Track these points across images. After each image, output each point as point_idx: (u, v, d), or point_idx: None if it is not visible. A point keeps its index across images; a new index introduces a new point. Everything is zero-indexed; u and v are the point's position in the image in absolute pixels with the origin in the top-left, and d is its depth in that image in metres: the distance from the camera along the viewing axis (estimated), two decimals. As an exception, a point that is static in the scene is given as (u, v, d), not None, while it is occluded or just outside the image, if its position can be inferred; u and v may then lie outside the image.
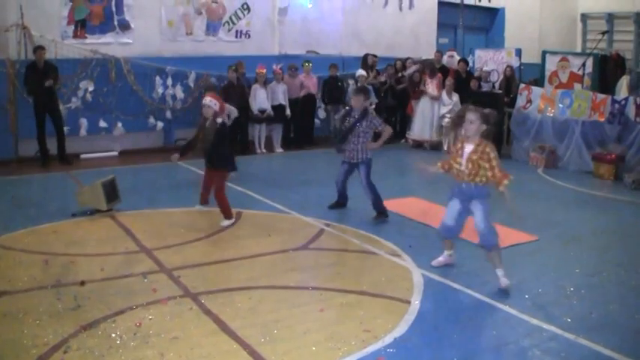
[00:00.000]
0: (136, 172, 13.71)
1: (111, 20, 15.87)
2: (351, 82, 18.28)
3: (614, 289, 7.61)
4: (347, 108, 11.13)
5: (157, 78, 16.19)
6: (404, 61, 19.48)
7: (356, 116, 10.35)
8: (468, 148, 7.45)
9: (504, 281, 7.42)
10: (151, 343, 5.82)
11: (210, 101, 9.88)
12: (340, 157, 10.76)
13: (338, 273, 7.94)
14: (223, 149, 10.03)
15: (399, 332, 6.25)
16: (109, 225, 9.77)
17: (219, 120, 9.92)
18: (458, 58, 19.52)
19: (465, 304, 7.11)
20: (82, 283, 7.25)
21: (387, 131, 10.50)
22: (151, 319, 6.35)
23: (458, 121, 7.59)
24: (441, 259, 8.23)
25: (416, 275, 7.84)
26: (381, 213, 10.42)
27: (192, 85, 16.61)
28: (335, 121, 11.78)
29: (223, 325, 6.24)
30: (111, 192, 10.34)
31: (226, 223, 9.85)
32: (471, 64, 20.04)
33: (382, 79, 18.68)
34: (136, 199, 11.13)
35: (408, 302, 6.96)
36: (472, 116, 7.36)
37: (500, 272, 7.49)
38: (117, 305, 6.65)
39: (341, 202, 11.02)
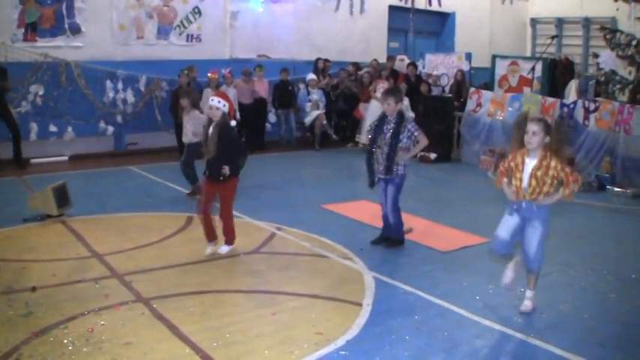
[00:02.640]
0: (87, 176, 13.59)
1: (62, 24, 15.72)
2: (302, 86, 18.39)
3: (564, 290, 7.76)
4: (380, 115, 9.28)
5: (108, 82, 16.10)
6: (359, 65, 19.62)
7: (392, 124, 8.96)
8: (531, 162, 6.72)
9: (527, 305, 7.00)
10: (103, 349, 5.81)
11: (218, 102, 8.42)
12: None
13: (290, 276, 7.98)
14: (232, 158, 8.54)
15: (351, 334, 6.30)
16: (60, 230, 9.71)
17: (232, 123, 8.61)
18: (408, 61, 19.70)
19: (417, 306, 7.16)
20: (34, 289, 7.21)
21: (423, 141, 9.11)
22: (103, 324, 6.34)
23: (518, 132, 6.83)
24: (509, 273, 7.20)
25: (367, 278, 7.91)
26: (398, 241, 9.28)
27: (143, 89, 16.55)
28: (367, 134, 10.03)
29: (176, 330, 6.25)
30: (62, 197, 10.29)
31: (226, 249, 8.81)
32: (421, 68, 20.22)
33: (334, 82, 18.77)
34: (87, 204, 11.06)
35: (360, 305, 7.02)
36: (534, 127, 6.61)
37: (529, 294, 7.06)
38: (69, 311, 6.62)
39: (395, 239, 9.35)
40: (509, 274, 7.16)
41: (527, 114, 6.93)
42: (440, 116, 16.68)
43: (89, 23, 15.99)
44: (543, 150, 6.67)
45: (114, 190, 12.46)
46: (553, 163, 6.62)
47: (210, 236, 8.79)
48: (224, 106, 8.42)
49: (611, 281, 8.09)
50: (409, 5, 21.48)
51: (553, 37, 20.26)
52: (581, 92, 17.59)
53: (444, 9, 22.58)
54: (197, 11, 17.76)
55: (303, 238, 9.51)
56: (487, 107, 16.19)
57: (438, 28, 24.83)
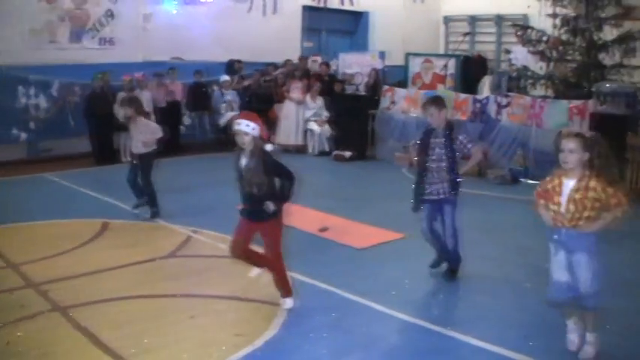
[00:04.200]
0: (0, 185, 13.39)
1: (-30, 28, 15.42)
2: (215, 87, 18.37)
3: (481, 282, 8.01)
4: (426, 129, 8.18)
5: (20, 87, 15.78)
6: (275, 65, 19.68)
7: (441, 137, 7.92)
8: (569, 184, 5.80)
9: (590, 351, 6.04)
10: (20, 360, 5.78)
11: (246, 125, 6.67)
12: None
13: (207, 279, 8.06)
14: (273, 190, 6.90)
15: (270, 334, 6.42)
16: (-28, 242, 9.54)
17: (268, 147, 6.90)
18: (321, 61, 19.84)
19: (334, 304, 7.30)
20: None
21: (477, 154, 8.16)
22: (19, 335, 6.32)
23: (556, 151, 5.84)
24: (571, 336, 6.26)
25: (286, 278, 7.99)
26: (454, 272, 8.27)
27: (56, 94, 16.30)
28: (410, 153, 8.60)
29: (94, 338, 6.26)
30: (-26, 207, 10.14)
31: (289, 304, 7.16)
32: (335, 68, 20.35)
33: (246, 83, 18.80)
34: (0, 213, 10.91)
35: (278, 305, 7.12)
36: (571, 144, 5.69)
37: (591, 338, 6.06)
38: (-16, 324, 6.56)
39: (444, 257, 8.36)
40: (573, 338, 6.24)
41: (562, 131, 5.98)
42: (354, 114, 16.88)
43: (-1, 27, 15.73)
44: (583, 168, 5.76)
45: (28, 198, 12.29)
46: (592, 184, 5.67)
47: (261, 264, 7.29)
48: (253, 129, 6.68)
49: (527, 271, 8.34)
50: (322, 5, 21.63)
51: (466, 34, 20.70)
52: (495, 88, 17.95)
53: (357, 8, 22.75)
54: (110, 14, 17.57)
55: (220, 239, 9.53)
56: (401, 104, 16.41)
57: (352, 27, 24.98)
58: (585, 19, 16.32)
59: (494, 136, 14.51)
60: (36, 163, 15.58)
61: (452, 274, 8.19)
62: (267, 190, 6.77)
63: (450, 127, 7.90)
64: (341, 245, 9.38)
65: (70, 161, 15.78)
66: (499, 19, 23.67)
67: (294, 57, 20.43)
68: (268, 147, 6.89)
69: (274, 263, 7.08)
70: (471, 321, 6.79)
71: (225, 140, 17.93)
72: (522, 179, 13.71)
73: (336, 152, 16.54)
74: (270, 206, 6.77)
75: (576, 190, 5.72)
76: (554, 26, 17.05)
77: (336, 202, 11.82)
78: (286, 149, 17.74)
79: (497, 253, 9.00)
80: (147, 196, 10.89)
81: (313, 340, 6.36)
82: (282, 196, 6.87)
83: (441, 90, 16.78)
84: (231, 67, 19.08)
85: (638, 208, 7.47)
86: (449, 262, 8.24)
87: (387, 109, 16.74)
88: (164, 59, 18.37)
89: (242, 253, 7.11)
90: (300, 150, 17.68)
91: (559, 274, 5.98)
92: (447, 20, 25.89)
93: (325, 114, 17.29)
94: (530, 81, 17.32)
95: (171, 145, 17.12)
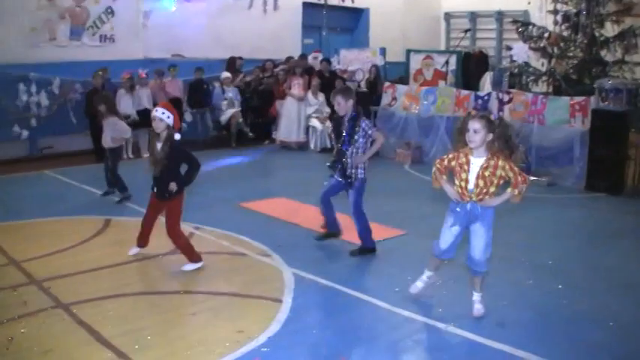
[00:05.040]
0: (1, 183, 13.34)
1: (-30, 27, 15.40)
2: (216, 84, 18.35)
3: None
4: (335, 117, 9.01)
5: (21, 85, 15.78)
6: (273, 62, 19.67)
7: (346, 125, 8.65)
8: (477, 162, 6.43)
9: (478, 309, 6.85)
10: (24, 358, 5.81)
11: (162, 113, 7.82)
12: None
13: (209, 276, 8.06)
14: (177, 173, 8.06)
15: (272, 331, 6.41)
16: (-26, 239, 9.54)
17: (176, 137, 7.94)
18: (321, 57, 19.84)
19: (337, 300, 7.30)
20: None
21: (379, 139, 8.99)
22: (23, 332, 6.32)
23: (461, 131, 6.48)
24: (418, 283, 7.27)
25: (286, 274, 8.03)
26: (367, 250, 8.91)
27: (56, 91, 16.30)
28: (329, 137, 9.47)
29: (96, 335, 6.26)
30: (-25, 205, 10.16)
31: (191, 267, 8.18)
32: (336, 64, 20.34)
33: (247, 79, 18.79)
34: (2, 210, 10.94)
35: (280, 301, 7.13)
36: (476, 124, 6.30)
37: (477, 297, 6.92)
38: (-13, 320, 6.57)
39: (331, 233, 9.45)
40: (418, 284, 7.29)
41: (469, 114, 6.63)
42: (355, 111, 16.81)
43: (-1, 26, 15.72)
44: (489, 149, 6.39)
45: (29, 195, 12.30)
46: (501, 163, 6.35)
47: (142, 241, 8.65)
48: (168, 117, 7.84)
49: (528, 268, 8.36)
50: (323, 2, 21.64)
51: (466, 31, 20.67)
52: (495, 84, 17.94)
53: (357, 5, 22.80)
54: (110, 11, 17.55)
55: (221, 236, 9.58)
56: (402, 101, 16.41)
57: (352, 24, 24.97)
58: (586, 15, 16.32)
59: (496, 133, 14.50)
60: (37, 161, 15.60)
61: (367, 251, 8.87)
62: (171, 174, 7.91)
63: (356, 117, 8.58)
64: (343, 242, 9.37)
65: (71, 158, 15.80)
66: (500, 16, 23.66)
67: (295, 54, 20.39)
68: (177, 136, 7.91)
69: (172, 235, 8.13)
70: (473, 318, 6.78)
71: (227, 137, 17.99)
72: (524, 176, 13.70)
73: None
74: (173, 187, 7.91)
75: (485, 167, 6.36)
76: (555, 22, 17.06)
77: (336, 198, 11.79)
78: (288, 146, 17.76)
79: (499, 251, 8.94)
80: (116, 185, 11.86)
81: (315, 336, 6.37)
82: (186, 180, 8.07)
83: (442, 87, 16.78)
84: (232, 63, 19.07)
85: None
86: (362, 242, 8.92)
87: (388, 106, 16.74)
88: (165, 56, 18.39)
89: (145, 226, 8.49)
90: (302, 147, 17.71)
91: (444, 243, 6.90)
92: (448, 17, 25.87)
93: (327, 110, 17.28)
94: (531, 77, 17.30)
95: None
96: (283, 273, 8.08)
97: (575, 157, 13.31)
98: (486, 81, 18.68)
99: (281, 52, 20.61)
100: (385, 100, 16.88)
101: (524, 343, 6.17)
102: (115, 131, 11.52)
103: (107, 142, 11.66)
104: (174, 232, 8.11)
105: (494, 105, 14.67)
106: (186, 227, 9.88)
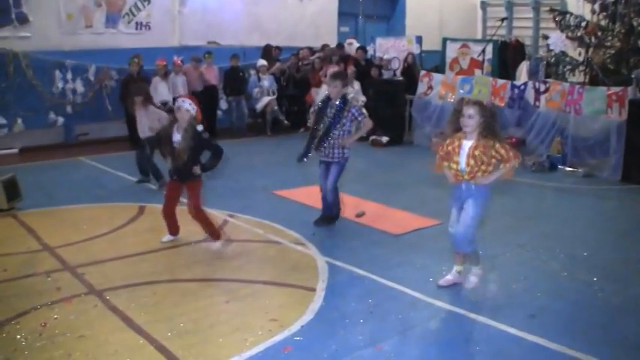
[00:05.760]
0: (38, 169, 13.46)
1: (8, 14, 15.37)
2: (252, 72, 18.33)
3: (516, 270, 7.87)
4: (323, 98, 9.50)
5: (57, 72, 15.90)
6: (311, 50, 19.60)
7: (335, 107, 9.11)
8: (467, 144, 6.80)
9: (473, 280, 7.22)
10: (57, 343, 5.81)
11: (189, 104, 8.18)
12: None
13: (242, 264, 8.03)
14: (199, 161, 8.35)
15: (305, 320, 6.38)
16: (10, 224, 9.61)
17: (199, 128, 8.26)
18: (357, 45, 19.74)
19: (370, 290, 7.23)
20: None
21: (367, 124, 9.33)
22: (56, 318, 6.33)
23: (455, 116, 6.90)
24: (449, 277, 7.34)
25: (320, 263, 7.98)
26: (329, 218, 9.56)
27: (92, 78, 16.38)
28: (309, 116, 10.08)
29: (129, 321, 6.27)
30: (11, 190, 10.21)
31: (217, 244, 8.57)
32: (372, 53, 20.25)
33: (284, 67, 18.76)
34: (37, 196, 10.97)
35: (314, 290, 7.09)
36: (470, 110, 6.67)
37: (475, 270, 7.26)
38: (20, 306, 6.59)
39: (329, 216, 9.68)
40: (449, 278, 7.34)
41: (464, 99, 6.88)
42: (391, 100, 16.79)
43: (36, 13, 15.71)
44: (479, 131, 6.73)
45: (64, 181, 12.37)
46: (491, 142, 6.68)
47: (172, 230, 8.79)
48: (194, 109, 8.21)
49: (563, 260, 8.22)
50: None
51: (503, 20, 20.42)
52: (532, 74, 17.75)
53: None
54: (146, -1, 17.62)
55: (255, 224, 9.55)
56: (437, 90, 16.30)
57: (388, 12, 24.84)
58: (624, 4, 16.06)
59: (533, 123, 14.37)
60: (73, 147, 15.71)
61: (328, 220, 9.53)
62: (192, 159, 8.16)
63: (345, 101, 9.11)
64: (377, 231, 9.32)
65: (106, 145, 15.92)
66: (536, 4, 23.35)
67: (331, 42, 20.31)
68: (200, 127, 8.24)
69: (196, 213, 8.43)
70: (506, 309, 6.70)
71: (262, 125, 17.98)
72: (560, 166, 13.56)
73: (373, 137, 16.42)
74: (197, 170, 8.26)
75: (475, 147, 6.71)
76: (593, 12, 16.82)
77: (372, 187, 11.77)
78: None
79: (533, 241, 8.88)
80: (152, 173, 11.86)
81: (348, 325, 6.30)
82: (209, 165, 8.41)
83: (478, 76, 16.62)
84: (268, 51, 19.03)
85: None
86: (325, 211, 9.54)
87: (424, 95, 16.62)
88: (200, 44, 18.40)
89: (169, 213, 8.63)
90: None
91: (450, 226, 7.12)
92: (484, 5, 25.58)
93: (362, 99, 17.18)
94: (568, 67, 17.08)
95: (209, 130, 17.19)
96: (317, 262, 8.02)
97: (611, 148, 13.05)
98: (523, 70, 18.47)
99: (317, 39, 20.55)
100: (421, 88, 16.75)
101: (559, 336, 6.06)
102: (153, 120, 11.26)
103: (144, 131, 11.53)
104: (198, 212, 8.45)
105: (530, 95, 14.51)
106: (220, 215, 9.92)
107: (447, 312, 6.68)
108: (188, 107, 8.10)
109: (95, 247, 8.56)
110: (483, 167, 6.74)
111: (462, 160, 6.79)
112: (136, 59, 15.90)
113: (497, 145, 6.66)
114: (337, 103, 9.10)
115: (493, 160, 6.74)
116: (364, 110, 9.98)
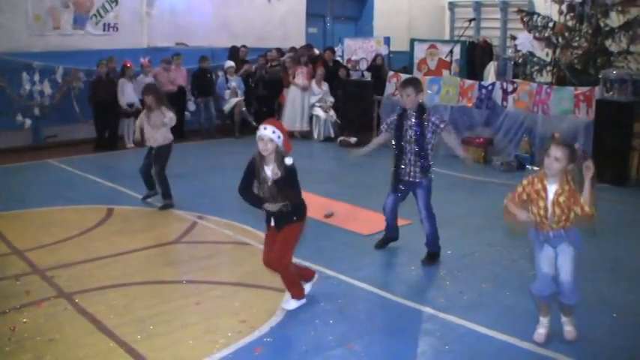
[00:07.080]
0: (5, 172, 13.39)
1: (-25, 16, 15.36)
2: (220, 73, 18.30)
3: (486, 269, 7.95)
4: (399, 111, 8.15)
5: (24, 74, 15.74)
6: (280, 51, 19.60)
7: (413, 119, 7.87)
8: (552, 188, 5.86)
9: (572, 330, 6.17)
10: (26, 347, 5.81)
11: (272, 132, 6.32)
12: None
13: (212, 265, 8.06)
14: (296, 197, 6.69)
15: (275, 321, 6.43)
16: (-22, 228, 9.54)
17: (287, 162, 6.45)
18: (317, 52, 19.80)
19: (340, 290, 7.29)
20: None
21: (451, 132, 8.31)
22: (25, 322, 6.33)
23: (543, 154, 5.88)
24: (542, 330, 6.13)
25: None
26: (435, 255, 8.24)
27: (60, 80, 16.25)
28: (380, 133, 8.63)
29: (99, 324, 6.28)
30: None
31: (293, 305, 6.80)
32: (340, 53, 20.30)
33: (252, 69, 18.74)
34: (5, 199, 10.94)
35: (284, 291, 7.06)
36: (558, 153, 5.70)
37: (570, 320, 6.18)
38: (-11, 309, 6.56)
39: (391, 237, 8.77)
40: (542, 331, 6.16)
41: (553, 136, 6.02)
42: (359, 100, 16.83)
43: (4, 14, 15.57)
44: (564, 175, 5.80)
45: (33, 184, 12.30)
46: (574, 188, 5.81)
47: (305, 275, 7.19)
48: (279, 137, 6.37)
49: (532, 258, 8.26)
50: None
51: (471, 20, 20.53)
52: (500, 74, 17.89)
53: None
54: (114, 0, 17.52)
55: (225, 226, 9.57)
56: (405, 91, 16.33)
57: (357, 13, 24.91)
58: (591, 5, 16.21)
59: (501, 123, 14.48)
60: (41, 149, 15.59)
61: (430, 258, 8.16)
62: (287, 200, 6.54)
63: (422, 111, 7.84)
64: (346, 231, 9.36)
65: (74, 147, 15.82)
66: (504, 5, 23.54)
67: (299, 43, 20.32)
68: (288, 161, 6.45)
69: (279, 265, 6.66)
70: (476, 308, 6.77)
71: (230, 126, 17.97)
72: (528, 166, 13.67)
73: (341, 138, 16.49)
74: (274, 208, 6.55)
75: (560, 193, 5.78)
76: (560, 12, 16.93)
77: (341, 188, 11.82)
78: (291, 135, 17.72)
79: (503, 240, 8.96)
80: (161, 189, 10.64)
81: (319, 326, 6.36)
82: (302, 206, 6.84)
83: (446, 76, 16.71)
84: (235, 52, 19.01)
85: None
86: (427, 246, 8.22)
87: (392, 95, 16.68)
88: (168, 45, 18.34)
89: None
90: (305, 136, 17.66)
91: (547, 268, 6.02)
92: (452, 6, 25.70)
93: (330, 99, 17.26)
94: (535, 67, 17.21)
95: (176, 131, 17.13)
96: (286, 263, 8.04)
97: (579, 148, 13.21)
98: (491, 71, 18.64)
99: (285, 40, 20.53)
100: (389, 89, 16.80)
101: (529, 335, 6.13)
102: (156, 124, 10.38)
103: (157, 140, 10.51)
104: (283, 261, 6.67)
105: (498, 95, 14.63)
106: (188, 216, 9.92)
107: (417, 311, 6.73)
108: (271, 136, 6.31)
109: (65, 249, 8.53)
110: (572, 214, 5.86)
111: (549, 206, 5.88)
112: (104, 61, 15.82)
113: (574, 199, 5.78)
114: (414, 113, 7.87)
115: (579, 212, 5.83)
116: (444, 117, 9.16)
